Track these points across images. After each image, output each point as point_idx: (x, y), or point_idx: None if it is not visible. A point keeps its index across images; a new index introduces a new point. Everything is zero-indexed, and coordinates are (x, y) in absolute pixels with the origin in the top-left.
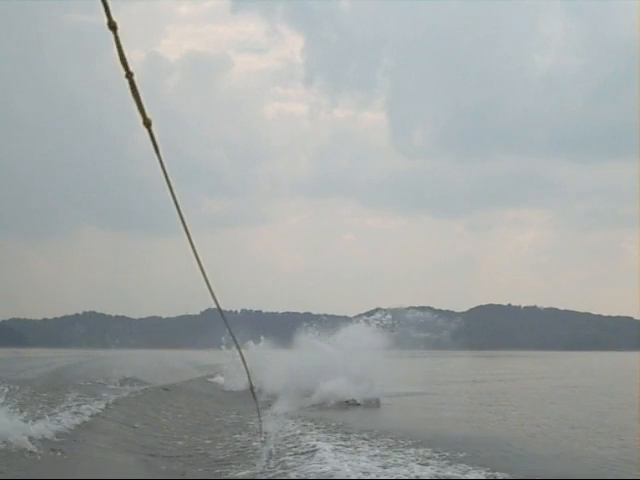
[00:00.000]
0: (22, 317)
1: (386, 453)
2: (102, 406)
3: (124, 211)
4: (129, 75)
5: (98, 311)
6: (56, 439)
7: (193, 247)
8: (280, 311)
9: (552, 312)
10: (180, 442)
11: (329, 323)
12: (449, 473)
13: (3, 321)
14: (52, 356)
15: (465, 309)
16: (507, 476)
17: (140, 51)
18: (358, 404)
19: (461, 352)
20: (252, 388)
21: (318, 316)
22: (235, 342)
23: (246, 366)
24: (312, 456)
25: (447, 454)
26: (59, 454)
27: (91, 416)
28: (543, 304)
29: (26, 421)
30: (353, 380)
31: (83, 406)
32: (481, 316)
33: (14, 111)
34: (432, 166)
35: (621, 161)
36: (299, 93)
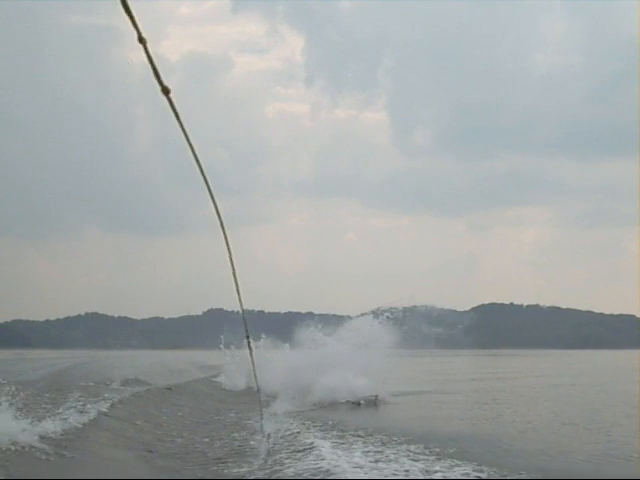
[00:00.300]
0: (24, 318)
1: (379, 449)
2: (104, 406)
3: (126, 212)
4: (143, 41)
5: (100, 312)
6: (60, 437)
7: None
8: (282, 311)
9: (554, 311)
10: (179, 440)
11: (331, 322)
12: (437, 468)
13: (5, 322)
14: (55, 357)
15: (467, 308)
16: (492, 470)
17: (142, 52)
18: (357, 403)
19: (463, 351)
20: (258, 390)
21: (320, 316)
22: (249, 344)
23: (254, 367)
24: (308, 453)
25: (437, 450)
26: (65, 452)
27: (93, 415)
28: (545, 303)
29: (31, 421)
30: (354, 378)
31: (87, 406)
32: (483, 315)
33: (15, 112)
34: (433, 165)
35: (622, 159)
36: (300, 93)
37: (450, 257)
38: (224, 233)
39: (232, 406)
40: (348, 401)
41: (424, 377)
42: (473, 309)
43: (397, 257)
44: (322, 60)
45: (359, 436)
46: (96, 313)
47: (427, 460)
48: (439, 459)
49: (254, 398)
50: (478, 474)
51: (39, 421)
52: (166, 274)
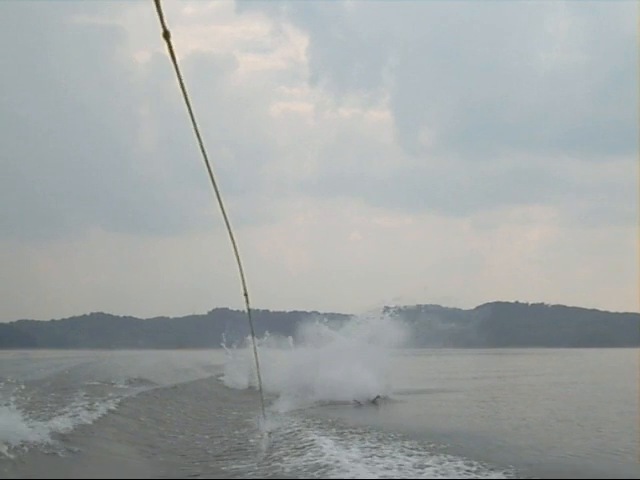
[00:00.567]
0: (30, 319)
1: (375, 445)
2: (109, 404)
3: (130, 212)
4: (167, 35)
5: (106, 312)
6: (65, 434)
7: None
8: (287, 310)
9: (559, 309)
10: (181, 436)
11: (337, 321)
12: (429, 462)
13: (11, 323)
14: (60, 357)
15: (472, 307)
16: (481, 464)
17: (145, 52)
18: (358, 403)
19: (468, 350)
20: (260, 389)
21: (325, 315)
22: (254, 345)
23: (258, 366)
24: (307, 450)
25: (432, 446)
26: (72, 447)
27: (99, 414)
28: (550, 301)
29: (38, 419)
30: (358, 376)
31: (92, 404)
32: (488, 314)
33: (18, 112)
34: (438, 164)
35: (627, 157)
36: (304, 92)
37: (455, 256)
38: (229, 229)
39: (234, 404)
40: (350, 400)
41: (427, 375)
42: (478, 308)
43: (402, 256)
44: (326, 59)
45: (357, 433)
46: (101, 313)
47: (420, 455)
48: (432, 454)
49: (256, 397)
50: (468, 468)
51: (46, 420)
52: (171, 274)
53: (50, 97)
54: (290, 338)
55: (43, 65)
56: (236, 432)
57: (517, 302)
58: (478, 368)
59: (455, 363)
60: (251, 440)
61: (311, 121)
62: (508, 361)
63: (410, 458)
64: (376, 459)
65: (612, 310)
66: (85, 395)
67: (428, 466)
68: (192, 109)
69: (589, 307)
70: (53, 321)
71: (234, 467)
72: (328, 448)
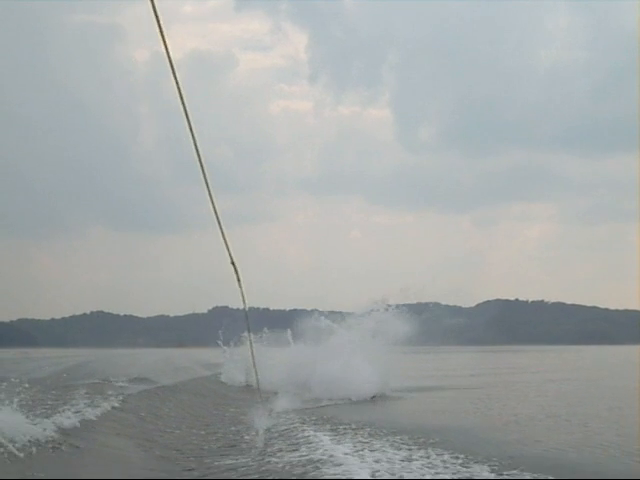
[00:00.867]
0: (30, 317)
1: (367, 440)
2: (109, 401)
3: (130, 210)
4: None
5: (106, 310)
6: (65, 430)
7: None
8: (287, 308)
9: (559, 306)
10: (177, 432)
11: (337, 319)
12: (417, 456)
13: (11, 322)
14: (60, 356)
15: (472, 304)
16: (467, 457)
17: (145, 51)
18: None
19: (466, 347)
20: (259, 387)
21: (325, 313)
22: (250, 343)
23: (254, 363)
24: (301, 445)
25: (421, 440)
26: (74, 441)
27: (99, 411)
28: (550, 298)
29: (42, 416)
30: (356, 373)
31: (93, 402)
32: (488, 311)
33: (18, 111)
34: (438, 162)
35: (627, 154)
36: (304, 90)
37: (455, 253)
38: (219, 222)
39: (231, 402)
40: (345, 399)
41: (424, 373)
42: (478, 305)
43: (402, 254)
44: (326, 57)
45: (351, 429)
46: (101, 311)
47: (409, 449)
48: (420, 448)
49: (253, 394)
50: (454, 460)
51: (48, 417)
52: (171, 272)
53: (50, 96)
54: (289, 331)
55: (43, 64)
56: (232, 428)
57: (517, 299)
58: (476, 365)
59: (453, 361)
60: (246, 437)
61: (311, 119)
62: (506, 358)
63: (399, 452)
64: (367, 452)
65: (612, 307)
66: (85, 393)
67: (415, 459)
68: (187, 108)
69: (589, 304)
70: (53, 320)
71: (228, 462)
72: (322, 444)
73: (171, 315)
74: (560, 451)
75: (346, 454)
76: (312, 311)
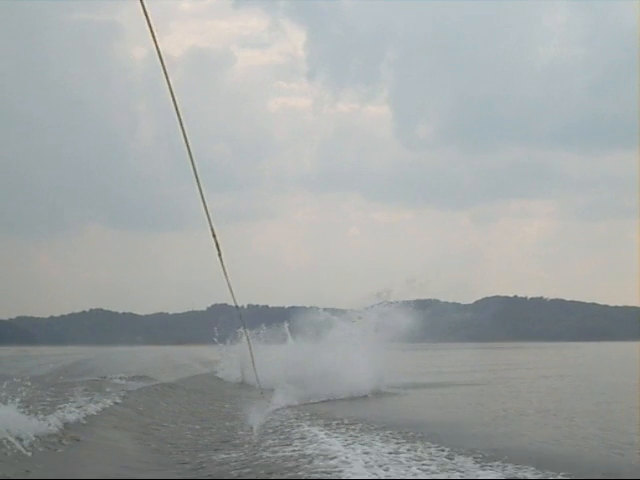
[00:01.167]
0: (29, 315)
1: (357, 435)
2: (107, 398)
3: (129, 208)
4: None
5: (105, 308)
6: (68, 425)
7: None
8: (286, 305)
9: (558, 303)
10: (172, 426)
11: (336, 315)
12: (404, 449)
13: (10, 319)
14: (59, 354)
15: (471, 301)
16: (453, 450)
17: (143, 48)
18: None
19: (465, 344)
20: (258, 384)
21: (324, 310)
22: (247, 337)
23: (253, 360)
24: (294, 440)
25: (410, 434)
26: (79, 436)
27: (98, 407)
28: (549, 295)
29: (44, 413)
30: (352, 371)
31: (92, 398)
32: (487, 308)
33: (17, 108)
34: (436, 159)
35: (626, 151)
36: (302, 87)
37: (454, 250)
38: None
39: (227, 398)
40: (341, 395)
41: (421, 369)
42: (477, 302)
43: (401, 251)
44: (324, 54)
45: (343, 424)
46: (100, 309)
47: (398, 443)
48: (408, 442)
49: (250, 391)
50: (439, 453)
51: (49, 413)
52: (170, 270)
53: (48, 94)
54: (285, 324)
55: (42, 62)
56: (227, 424)
57: (516, 296)
58: (473, 362)
59: (451, 357)
60: (240, 432)
61: (309, 116)
62: (505, 355)
63: (387, 445)
64: (357, 446)
65: (611, 304)
66: (84, 390)
67: (402, 452)
68: (177, 103)
69: (588, 301)
70: (52, 317)
71: (222, 457)
72: (315, 438)
73: (170, 313)
74: (544, 444)
75: (337, 449)
76: (311, 308)
